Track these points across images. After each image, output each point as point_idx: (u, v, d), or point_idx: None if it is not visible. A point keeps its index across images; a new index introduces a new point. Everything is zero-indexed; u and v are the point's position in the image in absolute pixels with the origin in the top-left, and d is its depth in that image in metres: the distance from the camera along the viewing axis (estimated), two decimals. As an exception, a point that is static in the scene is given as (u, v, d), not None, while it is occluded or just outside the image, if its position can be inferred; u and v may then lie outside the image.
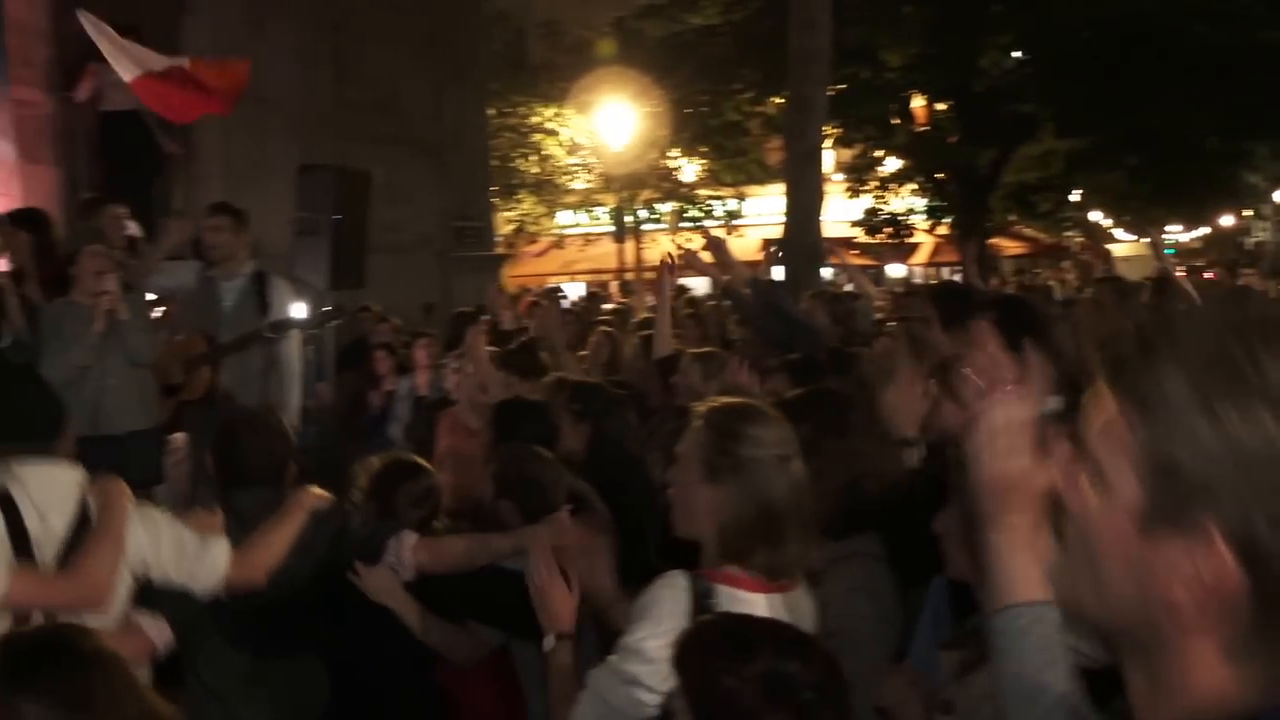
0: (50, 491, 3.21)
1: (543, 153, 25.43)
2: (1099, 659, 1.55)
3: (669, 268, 6.80)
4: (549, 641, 2.87)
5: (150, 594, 3.34)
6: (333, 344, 8.63)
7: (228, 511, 3.66)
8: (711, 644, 2.13)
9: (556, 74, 23.65)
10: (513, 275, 21.60)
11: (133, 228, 7.61)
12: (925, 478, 3.30)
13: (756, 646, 2.07)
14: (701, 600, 2.59)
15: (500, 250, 18.04)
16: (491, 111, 18.72)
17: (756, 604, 2.60)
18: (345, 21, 13.11)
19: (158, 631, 3.17)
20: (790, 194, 11.76)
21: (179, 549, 3.35)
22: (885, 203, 22.10)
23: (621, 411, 4.73)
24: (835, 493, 3.12)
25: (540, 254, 27.94)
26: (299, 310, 6.88)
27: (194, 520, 3.54)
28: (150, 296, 6.89)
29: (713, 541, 2.70)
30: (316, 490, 3.81)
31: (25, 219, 7.18)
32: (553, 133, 25.13)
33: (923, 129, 20.78)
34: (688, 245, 11.24)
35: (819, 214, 11.70)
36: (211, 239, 6.84)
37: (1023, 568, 1.54)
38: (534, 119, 24.86)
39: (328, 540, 3.74)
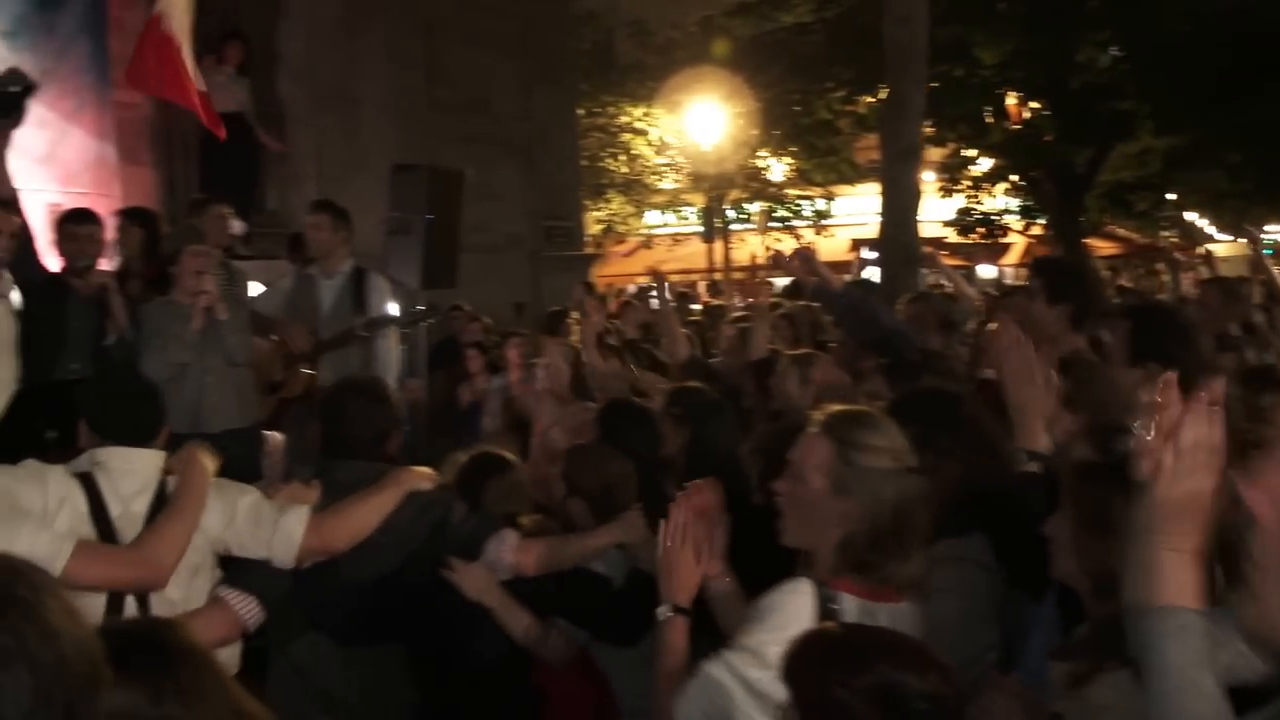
0: (132, 475, 3.25)
1: (631, 152, 25.44)
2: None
3: (782, 261, 6.70)
4: (664, 612, 2.78)
5: (240, 570, 3.33)
6: (425, 342, 8.69)
7: (326, 484, 3.60)
8: (823, 654, 2.08)
9: (645, 73, 23.65)
10: (601, 275, 21.62)
11: (237, 227, 7.73)
12: (1037, 479, 3.21)
13: (869, 657, 2.02)
14: (826, 608, 2.54)
15: (589, 250, 18.07)
16: (580, 111, 18.75)
17: (879, 614, 2.55)
18: (437, 22, 13.21)
19: (246, 609, 3.17)
20: (886, 194, 11.56)
21: (255, 521, 3.33)
22: (978, 202, 21.75)
23: (721, 416, 4.66)
24: (943, 495, 3.05)
25: (628, 254, 27.96)
26: (393, 309, 6.93)
27: (289, 492, 3.51)
28: (254, 291, 6.99)
29: (831, 552, 2.63)
30: (421, 470, 3.72)
31: (139, 216, 7.33)
32: (641, 132, 25.12)
33: (1017, 127, 20.41)
34: (778, 246, 11.13)
35: (916, 214, 11.48)
36: (311, 236, 6.94)
37: (1184, 579, 1.59)
38: (623, 119, 24.88)
39: (429, 529, 3.67)
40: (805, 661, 2.09)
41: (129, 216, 7.18)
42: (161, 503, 3.23)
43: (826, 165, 23.31)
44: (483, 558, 3.57)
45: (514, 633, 3.55)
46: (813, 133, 21.76)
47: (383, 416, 3.90)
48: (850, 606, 2.56)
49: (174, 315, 5.85)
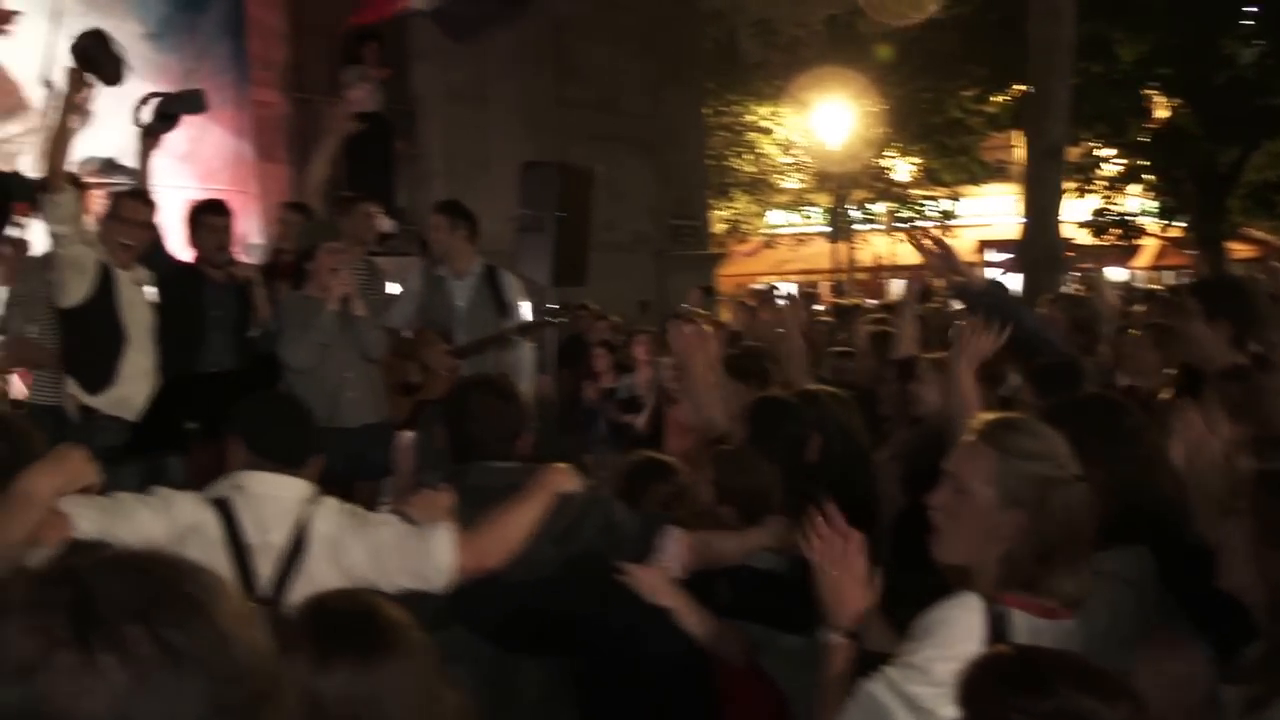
0: (275, 501, 3.15)
1: (756, 151, 25.28)
2: None
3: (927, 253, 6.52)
4: (829, 636, 2.64)
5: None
6: (554, 341, 8.68)
7: (460, 489, 3.44)
8: (1002, 676, 1.96)
9: (770, 72, 23.48)
10: (724, 275, 21.52)
11: (385, 225, 7.81)
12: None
13: (1053, 680, 1.89)
14: (996, 625, 2.41)
15: (714, 249, 17.97)
16: (706, 110, 18.66)
17: (1049, 633, 2.41)
18: (566, 21, 13.23)
19: None
20: (1028, 193, 11.25)
21: (402, 554, 3.14)
22: (1114, 203, 21.16)
23: (844, 423, 4.49)
24: (1101, 505, 2.90)
25: (751, 253, 27.79)
26: (525, 307, 6.94)
27: (421, 500, 3.35)
28: (393, 289, 7.05)
29: (994, 567, 2.50)
30: (563, 468, 3.51)
31: (298, 208, 7.45)
32: (766, 131, 24.95)
33: (1158, 125, 19.80)
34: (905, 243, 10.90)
35: (1058, 214, 11.17)
36: (431, 237, 7.00)
37: None
38: (748, 117, 24.73)
39: (594, 531, 3.54)
40: (983, 684, 1.97)
41: (294, 208, 7.30)
42: (302, 537, 3.12)
43: (956, 165, 22.89)
44: (654, 557, 3.49)
45: (695, 633, 3.36)
46: (943, 131, 21.38)
47: (512, 415, 3.75)
48: (1020, 623, 2.43)
49: (311, 308, 5.94)
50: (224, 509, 3.08)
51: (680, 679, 3.44)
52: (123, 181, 7.00)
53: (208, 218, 6.55)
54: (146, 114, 6.24)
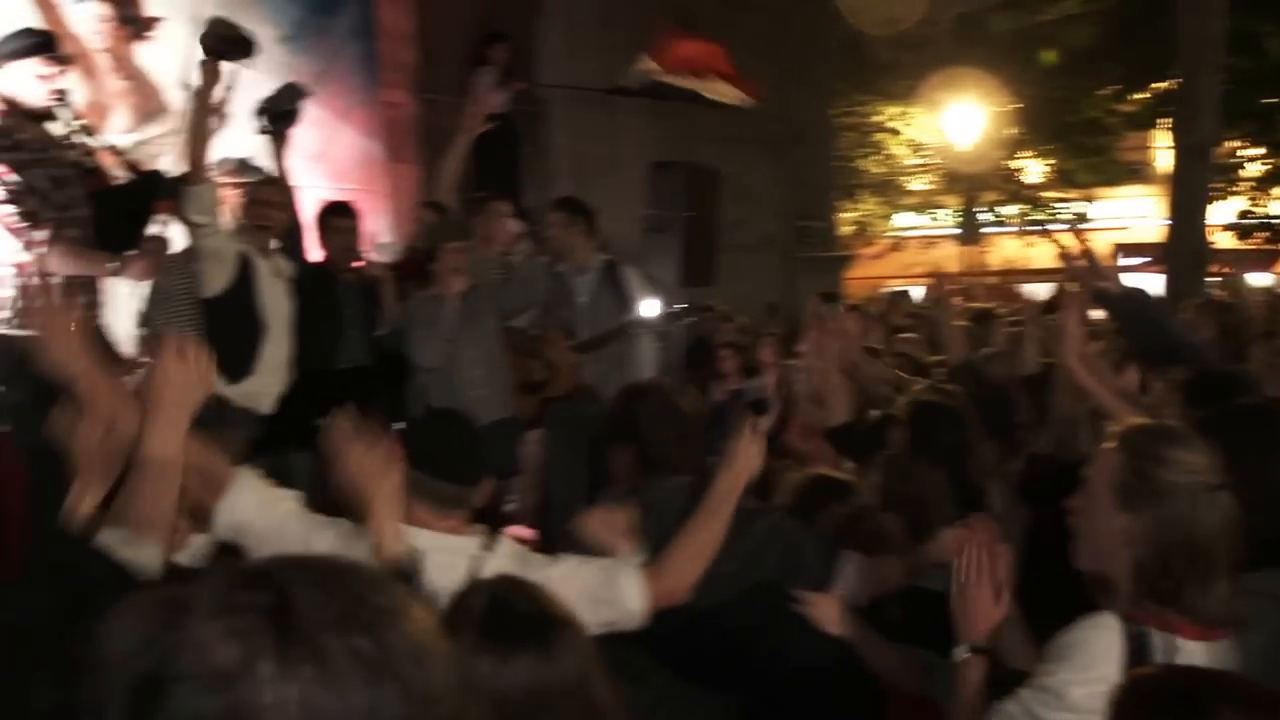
0: (445, 568, 2.94)
1: (884, 152, 24.94)
2: None
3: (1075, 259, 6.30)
4: (960, 652, 2.58)
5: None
6: (681, 342, 8.62)
7: (642, 505, 3.28)
8: (1158, 702, 1.84)
9: (899, 72, 23.13)
10: (851, 278, 21.27)
11: (515, 226, 7.85)
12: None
13: (1213, 707, 1.77)
14: (1135, 646, 2.30)
15: (841, 251, 17.74)
16: (834, 111, 18.44)
17: (1196, 654, 2.30)
18: (692, 19, 13.14)
19: None
20: (1173, 194, 10.89)
21: (593, 602, 2.89)
22: (1260, 205, 20.38)
23: (954, 431, 4.28)
24: (1253, 521, 2.75)
25: (877, 256, 27.42)
26: (652, 306, 6.92)
27: (597, 520, 3.19)
28: None
29: (1127, 578, 2.41)
30: (739, 470, 3.25)
31: (435, 206, 7.51)
32: (895, 131, 24.60)
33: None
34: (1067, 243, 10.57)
35: (1204, 215, 10.77)
36: (548, 233, 7.04)
37: None
38: (876, 118, 24.40)
39: (777, 556, 3.39)
40: (1134, 710, 1.86)
41: (431, 207, 7.38)
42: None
43: (1091, 166, 22.29)
44: (833, 585, 3.34)
45: (875, 665, 3.22)
46: (1080, 131, 20.82)
47: (693, 429, 3.58)
48: (1161, 644, 2.33)
49: (435, 307, 6.00)
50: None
51: (852, 712, 3.29)
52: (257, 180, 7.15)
53: (334, 220, 6.65)
54: (263, 122, 6.38)
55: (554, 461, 6.69)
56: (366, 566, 1.16)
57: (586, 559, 3.11)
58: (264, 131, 6.52)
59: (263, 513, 3.07)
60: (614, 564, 3.05)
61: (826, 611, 3.24)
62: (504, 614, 1.98)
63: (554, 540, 4.47)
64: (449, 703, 1.06)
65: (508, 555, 3.07)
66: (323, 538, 2.94)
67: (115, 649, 1.07)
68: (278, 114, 6.66)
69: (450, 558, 2.94)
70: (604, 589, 3.00)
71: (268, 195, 6.21)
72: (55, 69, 5.19)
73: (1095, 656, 2.31)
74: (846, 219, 23.80)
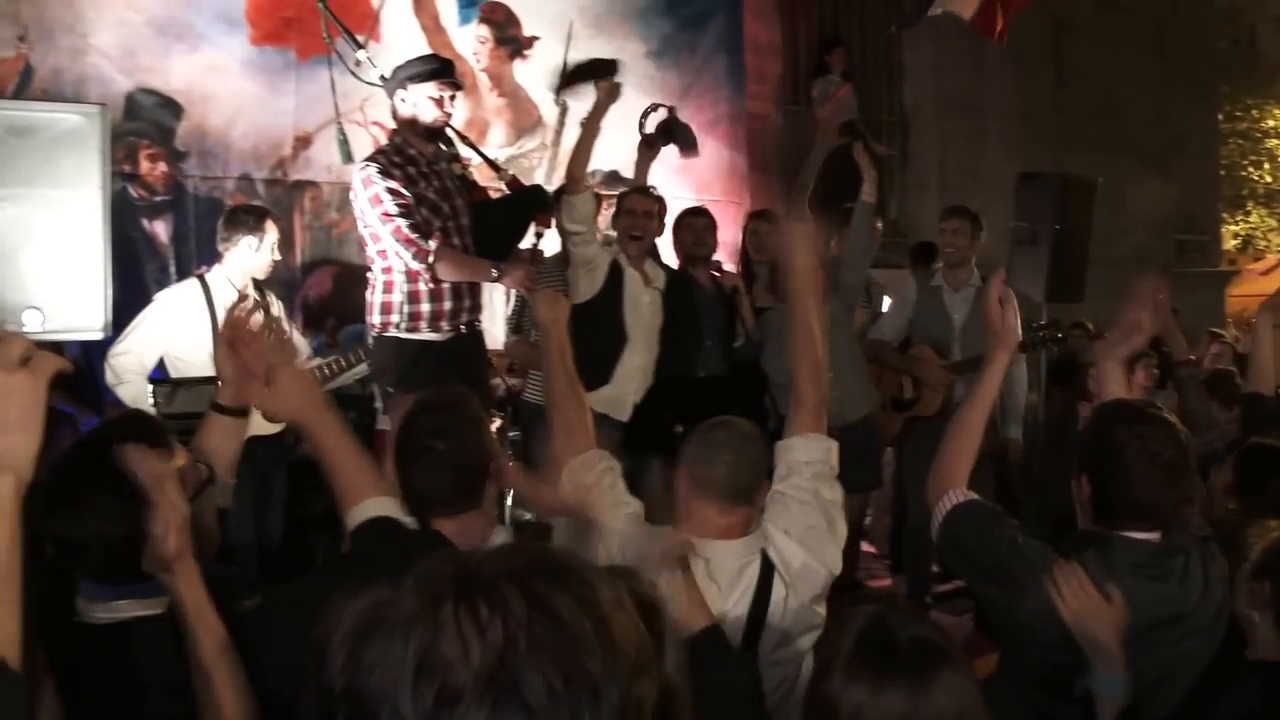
0: (728, 570, 3.01)
1: (1277, 160, 23.10)
2: None
3: None
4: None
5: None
6: (1046, 358, 8.25)
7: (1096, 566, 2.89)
8: None
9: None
10: (1235, 295, 19.79)
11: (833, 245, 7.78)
12: None
13: None
14: None
15: (1225, 267, 16.54)
16: (1220, 116, 17.22)
17: None
18: (1067, 24, 12.61)
19: None
20: None
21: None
22: None
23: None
24: None
25: (1267, 272, 25.38)
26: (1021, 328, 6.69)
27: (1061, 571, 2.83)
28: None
29: None
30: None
31: (765, 216, 7.54)
32: (1288, 139, 22.77)
33: None
34: None
35: None
36: (948, 242, 6.87)
37: None
38: (1268, 123, 22.62)
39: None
40: None
41: (761, 217, 7.40)
42: (766, 590, 2.99)
43: None
44: None
45: None
46: None
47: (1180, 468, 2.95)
48: None
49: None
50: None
51: None
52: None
53: (687, 218, 6.78)
54: (650, 124, 6.51)
55: (909, 480, 6.55)
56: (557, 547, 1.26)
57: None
58: (644, 136, 6.69)
59: (611, 512, 3.16)
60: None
61: None
62: (880, 640, 1.89)
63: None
64: (626, 656, 1.11)
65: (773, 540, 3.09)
66: (653, 546, 2.94)
67: (336, 617, 1.13)
68: (665, 132, 6.83)
69: (732, 559, 3.00)
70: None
71: (636, 204, 6.38)
72: (449, 91, 5.49)
73: None
74: (1231, 232, 22.20)
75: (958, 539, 3.05)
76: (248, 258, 5.94)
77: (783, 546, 3.05)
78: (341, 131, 6.30)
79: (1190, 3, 14.13)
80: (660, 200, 6.58)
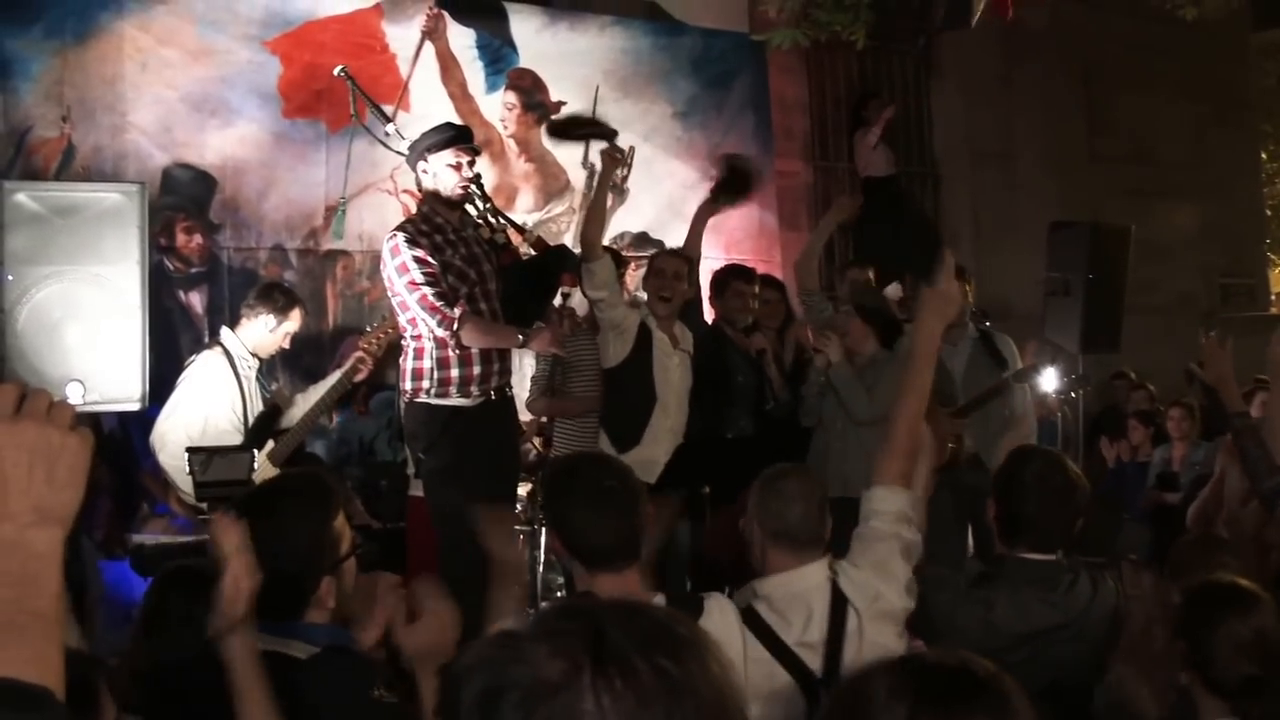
0: (793, 597, 3.10)
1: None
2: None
3: None
4: None
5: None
6: (1082, 410, 8.18)
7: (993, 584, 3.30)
8: None
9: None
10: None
11: (894, 292, 7.75)
12: None
13: None
14: None
15: (1274, 311, 16.28)
16: (1264, 154, 17.05)
17: None
18: (1097, 69, 12.54)
19: None
20: None
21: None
22: None
23: None
24: None
25: (1318, 314, 25.05)
26: (1049, 376, 6.67)
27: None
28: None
29: None
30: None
31: (774, 284, 7.54)
32: (1334, 177, 22.45)
33: None
34: None
35: None
36: None
37: None
38: (1313, 161, 22.37)
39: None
40: None
41: (771, 285, 7.38)
42: (840, 620, 3.04)
43: None
44: None
45: None
46: None
47: (1075, 497, 3.56)
48: None
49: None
50: (752, 621, 3.03)
51: None
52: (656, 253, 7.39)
53: (736, 283, 6.77)
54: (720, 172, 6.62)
55: (952, 530, 6.52)
56: (670, 610, 1.34)
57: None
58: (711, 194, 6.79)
59: None
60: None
61: None
62: (941, 677, 1.82)
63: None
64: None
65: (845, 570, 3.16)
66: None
67: (467, 665, 1.22)
68: (726, 189, 6.90)
69: (802, 589, 3.10)
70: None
71: (665, 264, 6.40)
72: (466, 157, 5.55)
73: None
74: None
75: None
76: (261, 334, 6.06)
77: (853, 577, 3.11)
78: (342, 209, 6.42)
79: (1226, 41, 14.01)
80: (690, 261, 6.60)
